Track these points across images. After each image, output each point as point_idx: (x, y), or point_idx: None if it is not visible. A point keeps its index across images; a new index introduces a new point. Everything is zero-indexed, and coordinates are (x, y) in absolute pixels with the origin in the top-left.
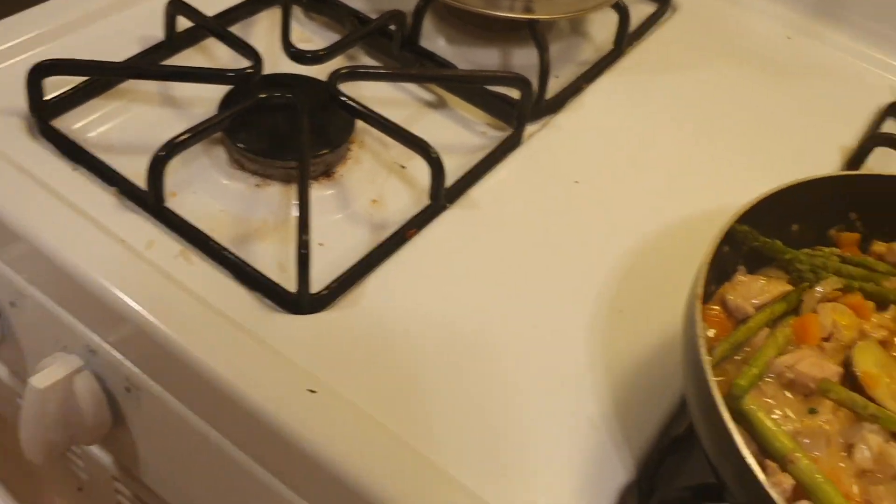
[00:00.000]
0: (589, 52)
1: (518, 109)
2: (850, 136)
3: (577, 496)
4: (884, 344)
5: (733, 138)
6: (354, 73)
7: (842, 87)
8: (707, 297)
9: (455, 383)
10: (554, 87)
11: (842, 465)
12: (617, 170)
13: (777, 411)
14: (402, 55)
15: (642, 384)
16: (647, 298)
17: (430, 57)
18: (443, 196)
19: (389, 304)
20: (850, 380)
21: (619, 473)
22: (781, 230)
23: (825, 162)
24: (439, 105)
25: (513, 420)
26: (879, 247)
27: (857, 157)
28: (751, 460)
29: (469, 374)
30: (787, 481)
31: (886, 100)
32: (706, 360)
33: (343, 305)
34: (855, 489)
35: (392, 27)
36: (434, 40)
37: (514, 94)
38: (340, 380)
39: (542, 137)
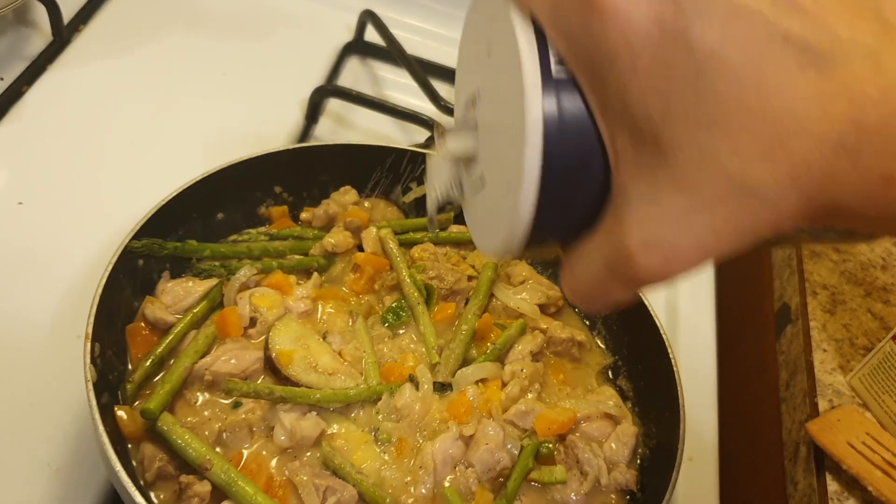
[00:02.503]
0: (36, 45)
1: None
2: (314, 84)
3: None
4: (307, 314)
5: (195, 113)
6: None
7: (303, 35)
8: (133, 315)
9: None
10: None
11: (264, 452)
12: (64, 180)
13: (206, 413)
14: None
15: None
16: None
17: None
18: None
19: None
20: (270, 361)
21: None
22: (206, 222)
23: (286, 121)
24: None
25: None
26: (307, 214)
27: (311, 111)
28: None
29: None
30: (204, 489)
31: (345, 39)
32: (95, 408)
33: None
34: (275, 472)
35: None
36: None
37: None
38: None
39: None
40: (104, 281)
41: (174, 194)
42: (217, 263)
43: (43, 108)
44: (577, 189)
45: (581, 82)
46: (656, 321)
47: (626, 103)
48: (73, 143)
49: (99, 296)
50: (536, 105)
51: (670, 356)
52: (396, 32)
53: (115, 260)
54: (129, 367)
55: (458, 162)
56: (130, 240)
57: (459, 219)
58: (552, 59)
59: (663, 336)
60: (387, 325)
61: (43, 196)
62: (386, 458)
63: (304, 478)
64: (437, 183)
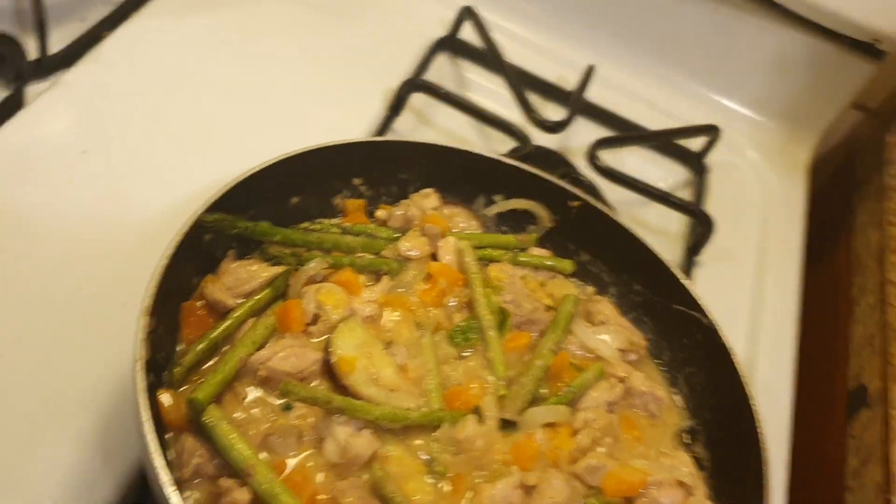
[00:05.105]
0: None
1: (13, 68)
2: (400, 75)
3: None
4: (372, 319)
5: (275, 87)
6: None
7: (395, 24)
8: (191, 292)
9: None
10: (72, 33)
11: (311, 464)
12: (133, 135)
13: (255, 411)
14: None
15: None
16: None
17: None
18: None
19: None
20: (330, 366)
21: (104, 492)
22: (279, 205)
23: (367, 109)
24: None
25: None
26: (383, 212)
27: (396, 104)
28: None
29: None
30: (243, 497)
31: (438, 34)
32: (141, 389)
33: None
34: (321, 488)
35: None
36: None
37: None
38: None
39: (48, 99)
40: (170, 252)
41: (254, 171)
42: (287, 251)
43: (121, 56)
44: None
45: None
46: (746, 389)
47: None
48: (146, 98)
49: (163, 268)
50: None
51: (759, 430)
52: (494, 35)
53: (184, 232)
54: (180, 348)
55: None
56: (203, 212)
57: (543, 241)
58: None
59: (753, 407)
60: (454, 345)
61: (108, 149)
62: (440, 493)
63: (352, 501)
64: None
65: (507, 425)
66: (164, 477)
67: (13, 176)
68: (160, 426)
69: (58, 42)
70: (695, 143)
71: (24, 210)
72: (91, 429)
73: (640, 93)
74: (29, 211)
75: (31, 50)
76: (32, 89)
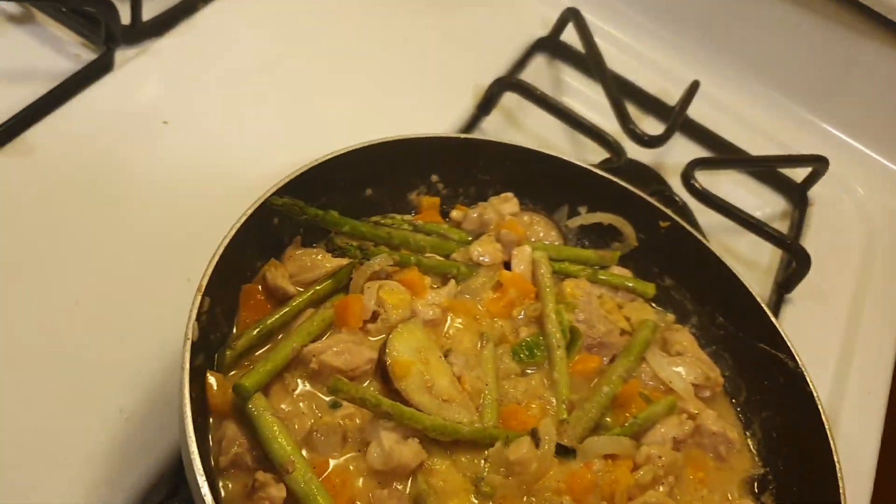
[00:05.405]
0: None
1: (105, 31)
2: (493, 73)
3: (96, 489)
4: (433, 323)
5: (365, 71)
6: None
7: (494, 20)
8: (253, 275)
9: None
10: (166, 3)
11: (352, 468)
12: (216, 109)
13: (301, 405)
14: None
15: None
16: None
17: None
18: None
19: None
20: (384, 368)
21: (143, 472)
22: (352, 195)
23: (455, 105)
24: (24, 19)
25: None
26: (458, 213)
27: (486, 102)
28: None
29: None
30: (279, 494)
31: (538, 34)
32: (187, 370)
33: None
34: (358, 494)
35: None
36: None
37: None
38: None
39: (136, 65)
40: (233, 232)
41: (329, 157)
42: (354, 243)
43: (213, 29)
44: None
45: None
46: (830, 443)
47: None
48: (232, 74)
49: (224, 247)
50: None
51: (840, 489)
52: (596, 40)
53: (250, 211)
54: (235, 330)
55: None
56: (272, 194)
57: (624, 260)
58: None
59: (835, 462)
60: (518, 360)
61: (189, 122)
62: None
63: None
64: None
65: (565, 452)
66: (198, 465)
67: (93, 135)
68: (204, 409)
69: (151, 10)
70: (797, 174)
71: (100, 170)
72: (137, 405)
73: (744, 114)
74: (105, 172)
75: (125, 15)
76: (122, 54)
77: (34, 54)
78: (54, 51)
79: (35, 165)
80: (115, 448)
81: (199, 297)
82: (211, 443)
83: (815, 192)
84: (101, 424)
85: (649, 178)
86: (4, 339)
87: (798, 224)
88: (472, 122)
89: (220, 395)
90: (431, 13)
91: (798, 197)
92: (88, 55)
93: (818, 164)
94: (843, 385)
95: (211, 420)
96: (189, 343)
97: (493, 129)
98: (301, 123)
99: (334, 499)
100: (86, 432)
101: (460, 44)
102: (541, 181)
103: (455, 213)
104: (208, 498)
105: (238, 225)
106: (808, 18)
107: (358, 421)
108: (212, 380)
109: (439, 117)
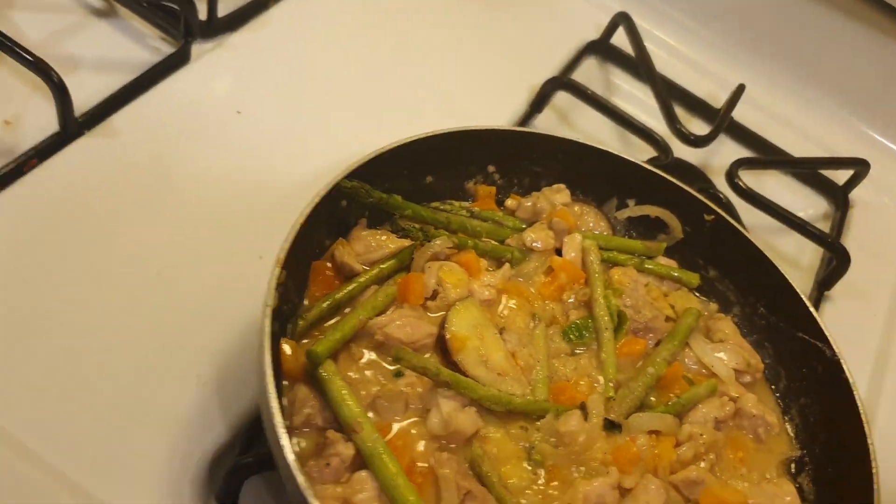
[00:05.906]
0: None
1: (183, 25)
2: (546, 73)
3: (177, 446)
4: (489, 303)
5: (423, 70)
6: None
7: (548, 22)
8: (321, 252)
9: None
10: (240, 0)
11: (413, 431)
12: (286, 100)
13: (367, 373)
14: None
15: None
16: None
17: None
18: (74, 124)
19: None
20: (443, 341)
21: (219, 431)
22: (414, 182)
23: (509, 103)
24: (108, 13)
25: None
26: (513, 202)
27: (539, 100)
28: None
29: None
30: (347, 451)
31: (590, 37)
32: (267, 334)
33: None
34: (420, 456)
35: None
36: None
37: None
38: None
39: (212, 58)
40: (308, 210)
41: (394, 145)
42: (416, 226)
43: (284, 24)
44: None
45: None
46: (865, 429)
47: None
48: (303, 67)
49: (300, 224)
50: None
51: (873, 473)
52: (646, 44)
53: (323, 193)
54: (305, 303)
55: None
56: (343, 178)
57: (670, 251)
58: None
59: (870, 448)
60: (567, 340)
61: (261, 112)
62: (535, 481)
63: (449, 473)
64: None
65: (611, 426)
66: (278, 418)
67: (172, 122)
68: (278, 373)
69: (226, 7)
70: (839, 176)
71: (176, 157)
72: (213, 371)
73: (788, 116)
74: (181, 159)
75: (202, 11)
76: (198, 48)
77: (118, 46)
78: (136, 43)
79: (120, 147)
80: (193, 410)
81: (279, 270)
82: (284, 404)
83: (855, 194)
84: (181, 389)
85: (694, 176)
86: (95, 308)
87: (839, 225)
88: (525, 119)
89: (293, 361)
90: (488, 15)
91: (839, 199)
92: (167, 48)
93: (860, 167)
94: (881, 381)
95: (284, 383)
96: (269, 309)
97: (545, 126)
98: (365, 115)
99: (398, 458)
100: (167, 396)
101: (515, 46)
102: (591, 174)
103: (509, 202)
104: (287, 448)
105: (312, 204)
106: (851, 24)
107: (419, 389)
108: (286, 346)
109: (494, 114)
